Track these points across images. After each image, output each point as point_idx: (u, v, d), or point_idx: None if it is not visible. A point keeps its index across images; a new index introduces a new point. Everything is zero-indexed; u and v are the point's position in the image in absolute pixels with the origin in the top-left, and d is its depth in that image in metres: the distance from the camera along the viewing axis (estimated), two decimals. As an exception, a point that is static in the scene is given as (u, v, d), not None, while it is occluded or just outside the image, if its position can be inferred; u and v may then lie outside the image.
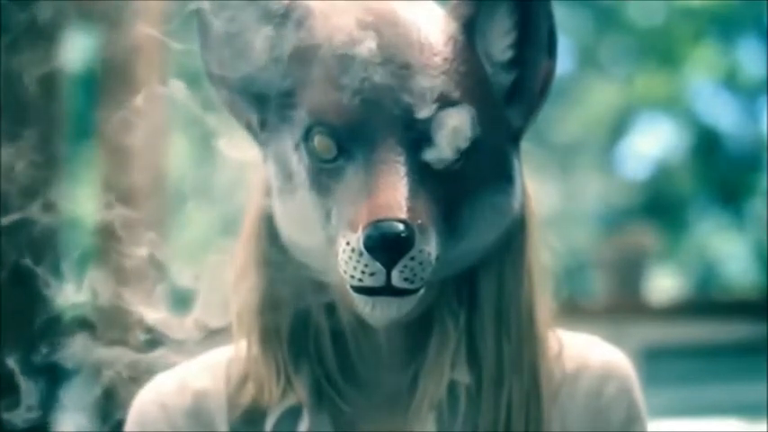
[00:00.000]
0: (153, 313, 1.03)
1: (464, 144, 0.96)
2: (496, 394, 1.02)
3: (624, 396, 1.07)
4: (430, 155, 0.95)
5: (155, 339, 1.04)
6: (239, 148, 1.04)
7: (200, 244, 1.14)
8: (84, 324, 1.08)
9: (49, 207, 1.09)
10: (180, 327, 1.03)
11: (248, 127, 1.03)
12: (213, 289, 1.04)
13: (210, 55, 1.01)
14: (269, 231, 1.03)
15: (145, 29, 1.07)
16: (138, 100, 1.06)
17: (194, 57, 1.02)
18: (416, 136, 0.95)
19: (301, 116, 0.98)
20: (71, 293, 1.04)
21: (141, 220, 1.08)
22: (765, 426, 3.09)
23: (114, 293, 1.04)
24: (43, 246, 1.08)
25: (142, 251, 1.03)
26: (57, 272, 1.05)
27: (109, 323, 1.08)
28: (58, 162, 2.60)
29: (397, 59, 0.96)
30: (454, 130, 0.95)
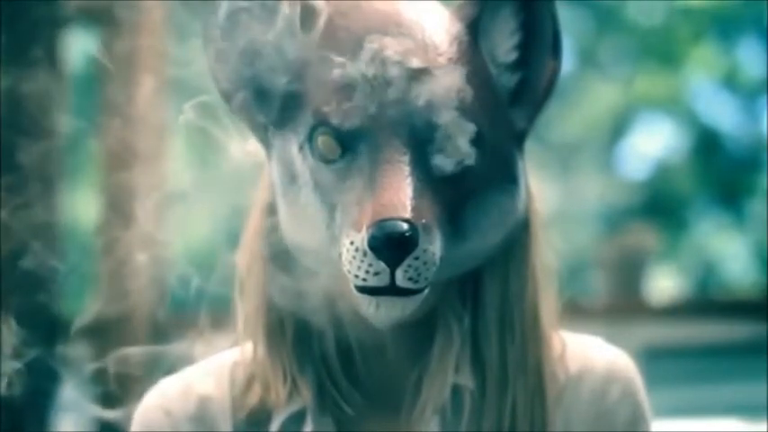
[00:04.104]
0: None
1: (468, 145, 0.96)
2: (500, 396, 1.02)
3: (629, 398, 1.07)
4: (434, 155, 0.95)
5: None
6: (242, 149, 1.03)
7: (200, 246, 1.13)
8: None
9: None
10: None
11: (253, 128, 1.02)
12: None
13: (217, 58, 1.00)
14: (273, 233, 1.02)
15: (145, 29, 1.06)
16: (139, 101, 1.06)
17: (193, 55, 1.02)
18: (421, 136, 0.95)
19: (306, 117, 0.98)
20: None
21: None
22: (765, 426, 3.09)
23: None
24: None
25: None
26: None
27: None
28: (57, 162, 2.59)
29: (402, 60, 0.95)
30: (459, 130, 0.95)
